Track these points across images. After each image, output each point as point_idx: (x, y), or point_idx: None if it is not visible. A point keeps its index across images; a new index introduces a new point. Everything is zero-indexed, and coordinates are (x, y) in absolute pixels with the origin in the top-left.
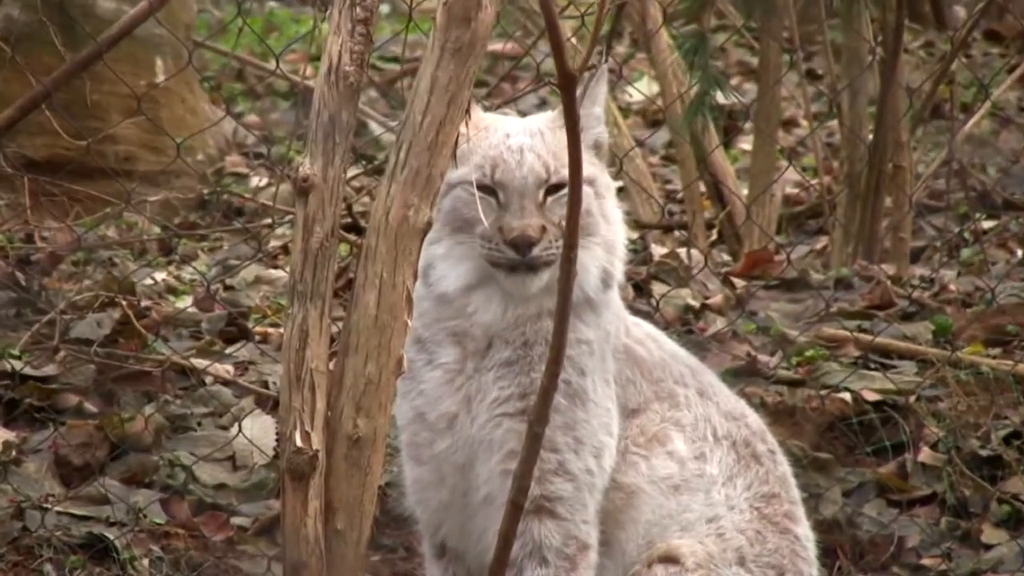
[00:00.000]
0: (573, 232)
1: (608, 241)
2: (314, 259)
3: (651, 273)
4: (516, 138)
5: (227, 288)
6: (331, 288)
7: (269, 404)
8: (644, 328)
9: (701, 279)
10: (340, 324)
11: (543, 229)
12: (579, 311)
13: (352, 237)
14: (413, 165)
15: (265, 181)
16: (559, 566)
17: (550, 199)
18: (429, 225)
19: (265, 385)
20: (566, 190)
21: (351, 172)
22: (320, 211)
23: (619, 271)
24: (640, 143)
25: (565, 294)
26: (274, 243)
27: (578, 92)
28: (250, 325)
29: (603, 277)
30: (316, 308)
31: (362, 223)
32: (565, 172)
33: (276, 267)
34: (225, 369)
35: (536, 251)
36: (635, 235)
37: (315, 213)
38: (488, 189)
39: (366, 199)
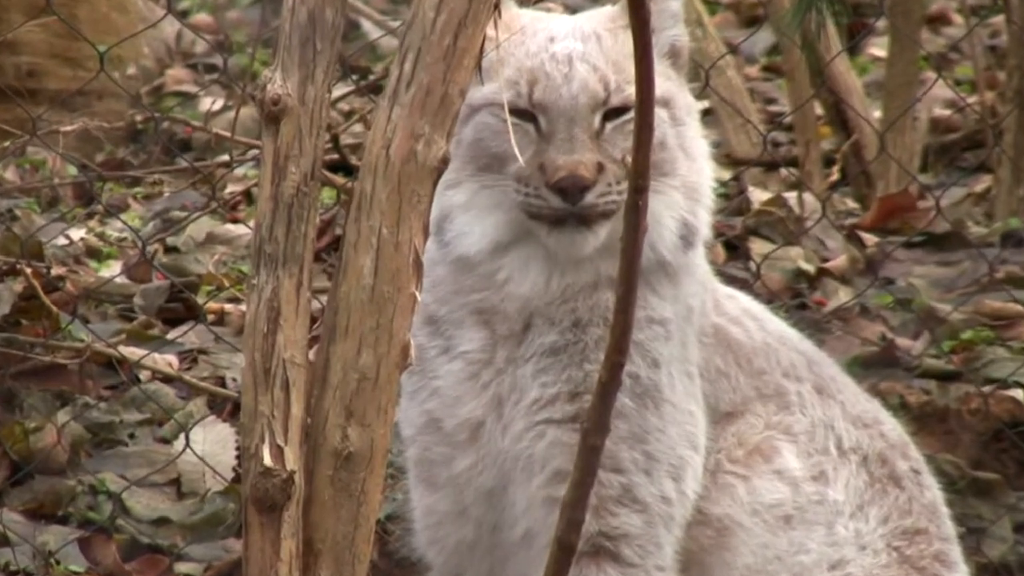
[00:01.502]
0: (642, 170)
1: (690, 183)
2: (288, 210)
3: (749, 226)
4: (563, 43)
5: (169, 250)
6: (311, 250)
7: (227, 408)
8: (740, 302)
9: (817, 234)
10: (324, 299)
11: (599, 167)
12: (651, 279)
13: (340, 180)
14: (423, 81)
15: (220, 103)
16: None
17: (609, 126)
18: (445, 162)
19: (221, 382)
20: (631, 114)
21: (338, 91)
22: (296, 144)
23: (705, 224)
24: (733, 49)
25: (632, 255)
26: (233, 188)
27: None
28: (200, 300)
29: (683, 232)
30: (291, 277)
31: (353, 160)
32: (630, 90)
33: (236, 221)
34: (167, 361)
35: (590, 197)
36: (727, 175)
37: (289, 147)
38: (525, 113)
39: (358, 128)
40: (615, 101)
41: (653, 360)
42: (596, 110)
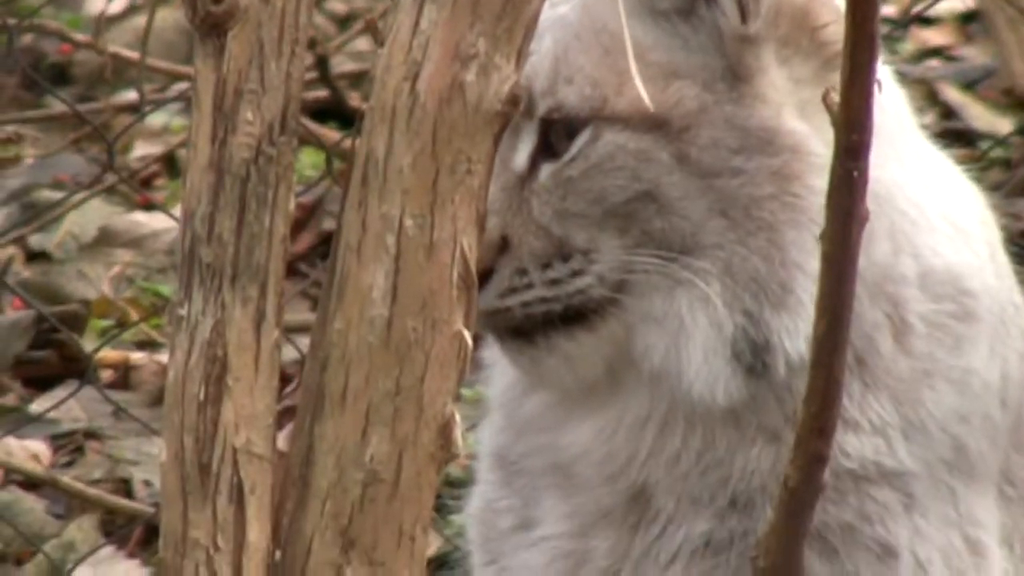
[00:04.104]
0: (858, 119)
1: (751, 269)
2: (239, 188)
3: None
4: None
5: (34, 257)
6: (281, 257)
7: (135, 534)
8: None
9: None
10: (304, 343)
11: (501, 244)
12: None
13: (331, 134)
14: None
15: (122, 1)
16: None
17: (547, 169)
18: (515, 102)
19: (125, 488)
20: (597, 138)
21: None
22: (254, 73)
23: (790, 333)
24: None
25: (841, 264)
26: (144, 150)
27: None
28: (88, 345)
29: (739, 348)
30: (245, 304)
31: (355, 101)
32: (589, 90)
33: (149, 206)
34: (31, 450)
35: (488, 296)
36: (1007, 124)
37: (241, 78)
38: None
39: (362, 43)
40: (545, 108)
41: (884, 546)
42: (515, 131)
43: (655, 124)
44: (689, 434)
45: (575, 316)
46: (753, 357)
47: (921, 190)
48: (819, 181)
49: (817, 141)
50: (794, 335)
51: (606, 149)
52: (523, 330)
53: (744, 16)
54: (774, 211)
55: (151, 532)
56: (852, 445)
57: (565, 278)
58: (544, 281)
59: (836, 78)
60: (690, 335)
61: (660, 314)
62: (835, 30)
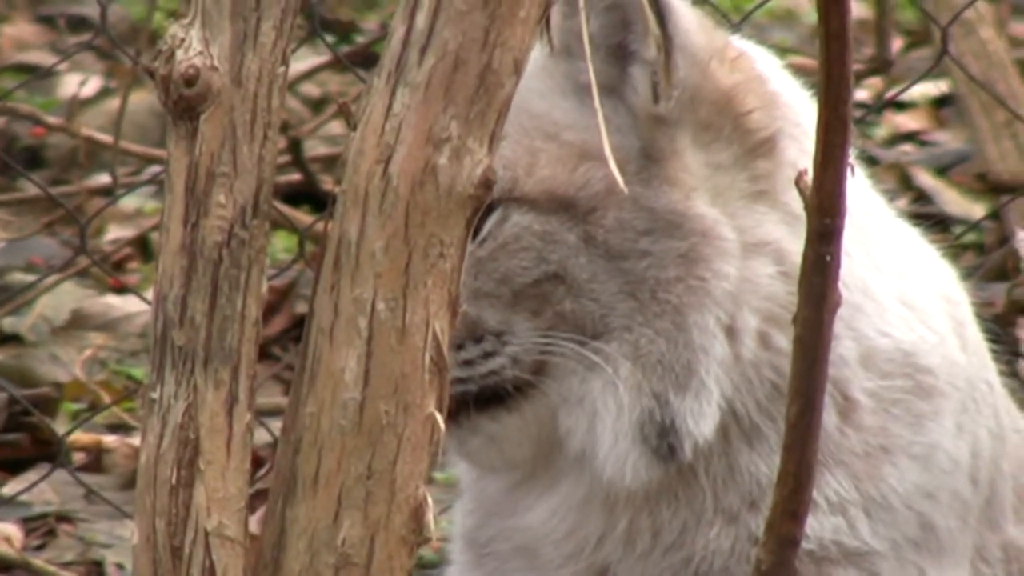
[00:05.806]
0: (830, 202)
1: (658, 354)
2: (212, 271)
3: (1020, 300)
4: None
5: (5, 340)
6: (253, 341)
7: None
8: None
9: None
10: (276, 425)
11: None
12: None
13: (304, 217)
14: (447, 44)
15: (95, 85)
16: None
17: (475, 245)
18: (487, 186)
19: (97, 572)
20: (504, 224)
21: (300, 63)
22: (227, 156)
23: (697, 416)
24: None
25: (814, 346)
26: (117, 233)
27: None
28: (60, 429)
29: (646, 432)
30: (217, 387)
31: (328, 184)
32: (505, 171)
33: (122, 289)
34: (3, 534)
35: None
36: (979, 209)
37: (214, 161)
38: None
39: (336, 127)
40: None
41: None
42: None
43: (562, 206)
44: (636, 515)
45: (495, 397)
46: (659, 439)
47: (867, 274)
48: (726, 266)
49: (727, 227)
50: (699, 418)
51: (512, 230)
52: (448, 412)
53: (656, 96)
54: (680, 294)
55: None
56: (809, 525)
57: (477, 359)
58: (458, 362)
59: (762, 165)
60: (601, 418)
61: (577, 397)
62: (760, 117)
